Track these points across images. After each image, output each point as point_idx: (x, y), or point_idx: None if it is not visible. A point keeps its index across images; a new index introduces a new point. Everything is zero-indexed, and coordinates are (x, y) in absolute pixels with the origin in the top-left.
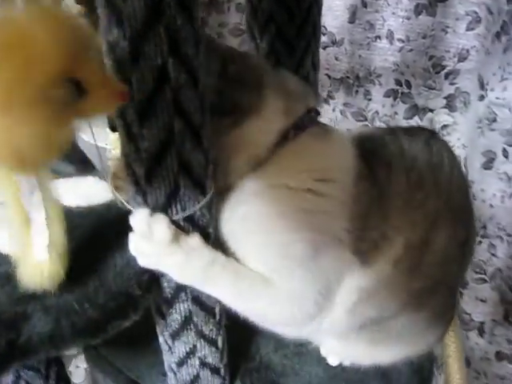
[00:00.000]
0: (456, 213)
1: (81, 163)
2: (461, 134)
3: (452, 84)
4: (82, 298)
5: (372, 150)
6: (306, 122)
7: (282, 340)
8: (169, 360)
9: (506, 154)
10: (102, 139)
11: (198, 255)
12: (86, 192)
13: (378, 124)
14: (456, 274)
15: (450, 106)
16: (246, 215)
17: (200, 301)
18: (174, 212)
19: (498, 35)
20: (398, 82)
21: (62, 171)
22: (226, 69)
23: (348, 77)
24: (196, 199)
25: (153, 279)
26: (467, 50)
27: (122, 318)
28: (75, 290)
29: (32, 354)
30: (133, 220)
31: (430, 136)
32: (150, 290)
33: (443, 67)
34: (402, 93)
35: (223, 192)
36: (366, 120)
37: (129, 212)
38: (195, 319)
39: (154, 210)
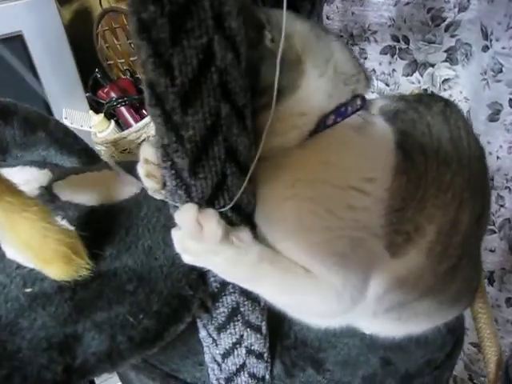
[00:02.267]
0: (475, 187)
1: (84, 153)
2: (463, 87)
3: (453, 36)
4: (134, 308)
5: (406, 133)
6: (350, 110)
7: None
8: (212, 352)
9: None
10: (85, 122)
11: (248, 250)
12: (106, 188)
13: (375, 83)
14: (476, 244)
15: (450, 59)
16: (291, 209)
17: (247, 291)
18: (222, 203)
19: None
20: (395, 38)
21: (65, 163)
22: (263, 38)
23: (341, 35)
24: (240, 184)
25: (200, 275)
26: (468, 0)
27: (178, 321)
28: (125, 300)
29: (90, 375)
30: (179, 217)
31: (445, 105)
32: (199, 287)
33: (443, 19)
34: (399, 49)
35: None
36: None
37: (162, 203)
38: (242, 309)
39: (199, 203)
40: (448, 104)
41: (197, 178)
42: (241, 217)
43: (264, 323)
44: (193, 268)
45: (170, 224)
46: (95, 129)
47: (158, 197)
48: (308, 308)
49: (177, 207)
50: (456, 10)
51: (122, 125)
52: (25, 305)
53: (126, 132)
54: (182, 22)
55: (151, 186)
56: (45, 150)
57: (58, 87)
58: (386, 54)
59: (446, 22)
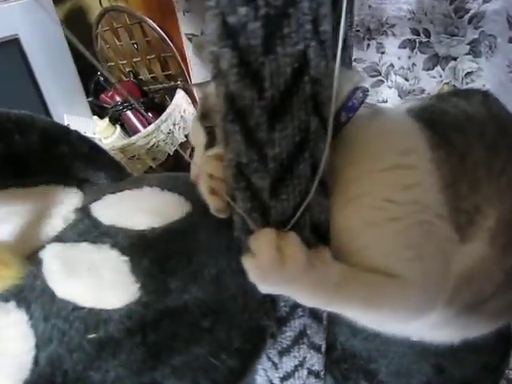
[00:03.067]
0: None
1: (111, 168)
2: (486, 81)
3: (476, 28)
4: (214, 347)
5: (433, 119)
6: (357, 103)
7: (354, 323)
8: (270, 375)
9: None
10: (89, 129)
11: (330, 271)
12: (153, 207)
13: (393, 78)
14: None
15: (474, 51)
16: (353, 212)
17: (315, 312)
18: (302, 224)
19: None
20: (415, 31)
21: (91, 179)
22: None
23: (358, 30)
24: (322, 203)
25: (272, 301)
26: None
27: (258, 355)
28: (202, 339)
29: None
30: (255, 243)
31: (484, 97)
32: (273, 314)
33: (466, 11)
34: (420, 42)
35: None
36: (380, 75)
37: (220, 223)
38: (309, 331)
39: (277, 226)
40: (487, 94)
41: (278, 199)
42: (317, 237)
43: (324, 341)
44: (266, 294)
45: (233, 247)
46: (100, 135)
47: (222, 216)
48: (392, 315)
49: (246, 230)
50: (480, 0)
51: (127, 130)
52: (92, 354)
53: (134, 137)
54: (279, 26)
55: (216, 205)
56: (68, 165)
57: (58, 92)
58: (405, 47)
59: (469, 14)
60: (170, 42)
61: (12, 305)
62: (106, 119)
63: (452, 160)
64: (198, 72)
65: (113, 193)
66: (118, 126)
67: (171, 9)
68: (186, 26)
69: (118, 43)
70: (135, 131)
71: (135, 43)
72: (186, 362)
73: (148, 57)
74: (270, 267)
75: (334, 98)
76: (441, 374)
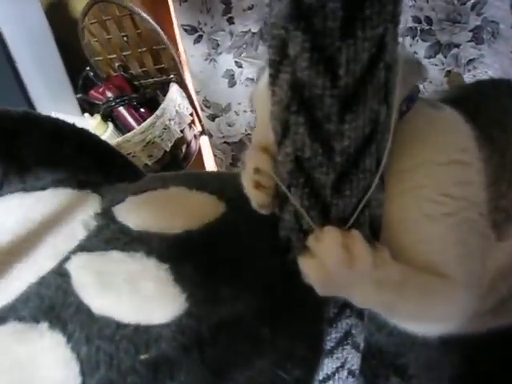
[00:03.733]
0: None
1: (125, 169)
2: (487, 67)
3: (479, 15)
4: (278, 358)
5: (472, 115)
6: (415, 95)
7: (377, 316)
8: None
9: None
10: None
11: (392, 272)
12: (184, 209)
13: None
14: None
15: (476, 38)
16: (417, 199)
17: (362, 311)
18: (362, 220)
19: None
20: (417, 19)
21: (102, 180)
22: None
23: None
24: (379, 197)
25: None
26: None
27: (320, 362)
28: (265, 351)
29: None
30: (318, 243)
31: (510, 87)
32: (326, 317)
33: None
34: (421, 30)
35: None
36: None
37: (260, 221)
38: (354, 331)
39: (337, 224)
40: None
41: (341, 195)
42: (373, 234)
43: (363, 340)
44: (320, 297)
45: (278, 248)
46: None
47: (264, 211)
48: (439, 315)
49: (298, 229)
50: None
51: (120, 126)
52: (148, 377)
53: (129, 134)
54: (360, 7)
55: (260, 200)
56: (76, 168)
57: (44, 89)
58: (406, 35)
59: (471, 1)
60: (162, 33)
61: (44, 326)
62: (98, 116)
63: (495, 158)
64: (193, 64)
65: (135, 194)
66: (111, 123)
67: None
68: (182, 16)
69: (106, 36)
70: (128, 128)
71: (125, 36)
72: (251, 376)
73: (139, 50)
74: (338, 268)
75: (400, 86)
76: (472, 365)
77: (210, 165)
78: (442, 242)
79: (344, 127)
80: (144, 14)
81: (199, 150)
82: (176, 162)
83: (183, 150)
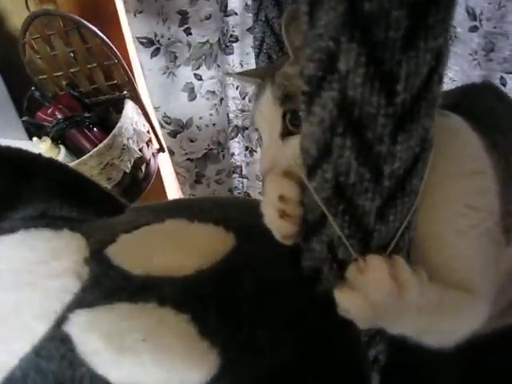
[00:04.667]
0: None
1: (101, 201)
2: (448, 69)
3: None
4: None
5: (473, 122)
6: None
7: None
8: None
9: (503, 81)
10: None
11: (431, 293)
12: (193, 244)
13: None
14: None
15: None
16: (448, 215)
17: (390, 336)
18: (401, 245)
19: None
20: None
21: (77, 217)
22: None
23: None
24: (415, 219)
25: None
26: None
27: None
28: None
29: None
30: (365, 275)
31: (496, 91)
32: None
33: None
34: None
35: None
36: None
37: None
38: (381, 357)
39: (377, 251)
40: (495, 88)
41: (384, 221)
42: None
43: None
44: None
45: (302, 280)
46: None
47: (289, 242)
48: (461, 327)
49: (332, 259)
50: None
51: (72, 149)
52: None
53: (86, 157)
54: (425, 15)
55: (286, 231)
56: (45, 201)
57: None
58: None
59: None
60: (114, 47)
61: None
62: (48, 140)
63: (501, 164)
64: (150, 79)
65: (127, 232)
66: (62, 147)
67: (111, 11)
68: (137, 28)
69: (51, 52)
70: (82, 150)
71: (72, 51)
72: None
73: (88, 66)
74: (386, 300)
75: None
76: (480, 365)
77: (171, 184)
78: (470, 258)
79: (396, 148)
80: (93, 27)
81: (158, 170)
82: (136, 183)
83: (143, 170)
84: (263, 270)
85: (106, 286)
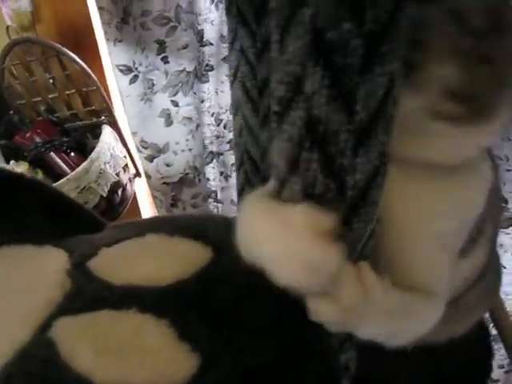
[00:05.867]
0: None
1: (80, 217)
2: None
3: None
4: None
5: None
6: None
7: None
8: None
9: None
10: None
11: (394, 297)
12: (173, 256)
13: None
14: None
15: None
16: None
17: (360, 341)
18: (366, 253)
19: None
20: None
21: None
22: None
23: None
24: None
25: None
26: None
27: None
28: None
29: None
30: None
31: None
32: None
33: None
34: None
35: None
36: None
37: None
38: (350, 365)
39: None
40: None
41: (350, 229)
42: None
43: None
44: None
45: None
46: None
47: None
48: (419, 329)
49: None
50: None
51: (50, 173)
52: None
53: (63, 181)
54: (379, 44)
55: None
56: (27, 218)
57: None
58: None
59: None
60: (92, 74)
61: None
62: (25, 163)
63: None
64: (129, 105)
65: (108, 246)
66: (40, 171)
67: (90, 40)
68: (116, 57)
69: (30, 78)
70: (60, 174)
71: (51, 78)
72: None
73: (67, 92)
74: (354, 303)
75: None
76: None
77: (146, 208)
78: (434, 262)
79: (357, 161)
80: (72, 55)
81: (134, 194)
82: (113, 207)
83: (119, 194)
84: (241, 278)
85: (88, 295)
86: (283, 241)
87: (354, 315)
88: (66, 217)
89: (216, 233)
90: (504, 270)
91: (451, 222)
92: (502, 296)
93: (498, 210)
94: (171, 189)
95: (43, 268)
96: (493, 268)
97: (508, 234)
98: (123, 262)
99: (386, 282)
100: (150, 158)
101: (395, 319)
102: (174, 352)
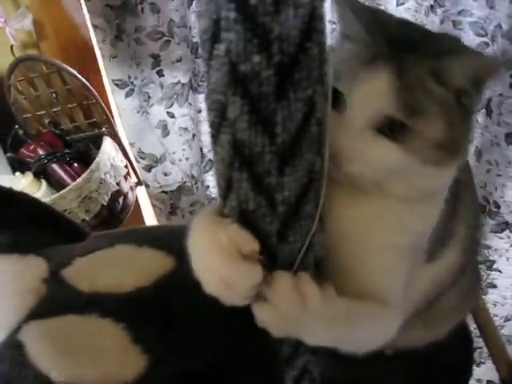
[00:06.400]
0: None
1: (66, 229)
2: None
3: None
4: None
5: None
6: None
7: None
8: None
9: None
10: (12, 187)
11: (338, 307)
12: (136, 266)
13: None
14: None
15: None
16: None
17: (316, 346)
18: (307, 263)
19: (432, 8)
20: None
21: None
22: None
23: None
24: (321, 237)
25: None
26: None
27: None
28: None
29: None
30: (273, 289)
31: None
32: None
33: None
34: None
35: None
36: None
37: None
38: (309, 368)
39: (284, 269)
40: None
41: (286, 242)
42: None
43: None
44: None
45: None
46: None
47: None
48: (376, 339)
49: None
50: None
51: (53, 183)
52: None
53: (65, 191)
54: (290, 73)
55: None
56: (15, 229)
57: None
58: None
59: None
60: (92, 88)
61: None
62: (30, 175)
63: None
64: (126, 118)
65: (82, 255)
66: (44, 181)
67: (91, 55)
68: (112, 72)
69: (34, 93)
70: (63, 184)
71: (54, 92)
72: None
73: (69, 105)
74: (291, 310)
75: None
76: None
77: (149, 215)
78: (387, 273)
79: (284, 179)
80: (72, 70)
81: (136, 201)
82: (114, 215)
83: (120, 203)
84: (196, 286)
85: (58, 301)
86: (209, 257)
87: (293, 322)
88: (51, 228)
89: (181, 244)
90: (500, 275)
91: (404, 236)
92: (500, 300)
93: (474, 211)
94: (169, 197)
95: (23, 275)
96: (472, 267)
97: (502, 238)
98: (92, 271)
99: (330, 291)
100: (148, 168)
101: (344, 327)
102: (126, 353)
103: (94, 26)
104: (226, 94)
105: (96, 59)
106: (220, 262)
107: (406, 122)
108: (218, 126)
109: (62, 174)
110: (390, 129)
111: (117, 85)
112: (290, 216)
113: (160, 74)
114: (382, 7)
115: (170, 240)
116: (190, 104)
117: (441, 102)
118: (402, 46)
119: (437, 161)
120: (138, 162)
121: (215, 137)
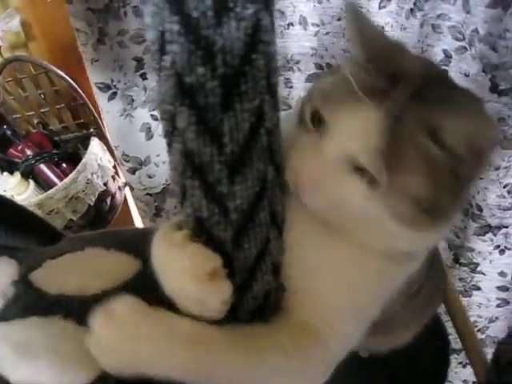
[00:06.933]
0: None
1: (41, 230)
2: None
3: None
4: None
5: None
6: None
7: None
8: None
9: None
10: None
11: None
12: (103, 269)
13: None
14: None
15: None
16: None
17: None
18: (264, 269)
19: (412, 11)
20: (319, 66)
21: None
22: None
23: None
24: (280, 247)
25: None
26: (382, 27)
27: None
28: None
29: None
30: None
31: None
32: None
33: None
34: None
35: None
36: (290, 108)
37: None
38: None
39: (240, 275)
40: None
41: (241, 249)
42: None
43: None
44: None
45: None
46: (12, 192)
47: None
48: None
49: None
50: None
51: (41, 183)
52: None
53: (52, 191)
54: (236, 84)
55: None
56: None
57: None
58: (310, 81)
59: None
60: (79, 89)
61: None
62: (18, 174)
63: None
64: (109, 121)
65: (52, 258)
66: (31, 181)
67: (78, 57)
68: (95, 75)
69: (23, 94)
70: (51, 185)
71: (42, 93)
72: None
73: (57, 106)
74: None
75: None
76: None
77: (138, 215)
78: (340, 313)
79: (235, 188)
80: (59, 72)
81: (125, 201)
82: (101, 215)
83: (108, 203)
84: (160, 289)
85: (23, 303)
86: (175, 280)
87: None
88: (26, 230)
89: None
90: (484, 277)
91: (363, 296)
92: (484, 302)
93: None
94: (154, 199)
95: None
96: (438, 268)
97: (485, 241)
98: (60, 274)
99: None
100: (132, 171)
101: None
102: (84, 356)
103: (77, 30)
104: (174, 105)
105: (82, 61)
106: (188, 285)
107: (377, 176)
108: (170, 135)
109: (50, 174)
110: (366, 171)
111: (100, 88)
112: (244, 223)
113: (143, 77)
114: (363, 10)
115: (138, 243)
116: None
117: (428, 158)
118: (405, 87)
119: (414, 222)
120: (122, 164)
121: (169, 145)
